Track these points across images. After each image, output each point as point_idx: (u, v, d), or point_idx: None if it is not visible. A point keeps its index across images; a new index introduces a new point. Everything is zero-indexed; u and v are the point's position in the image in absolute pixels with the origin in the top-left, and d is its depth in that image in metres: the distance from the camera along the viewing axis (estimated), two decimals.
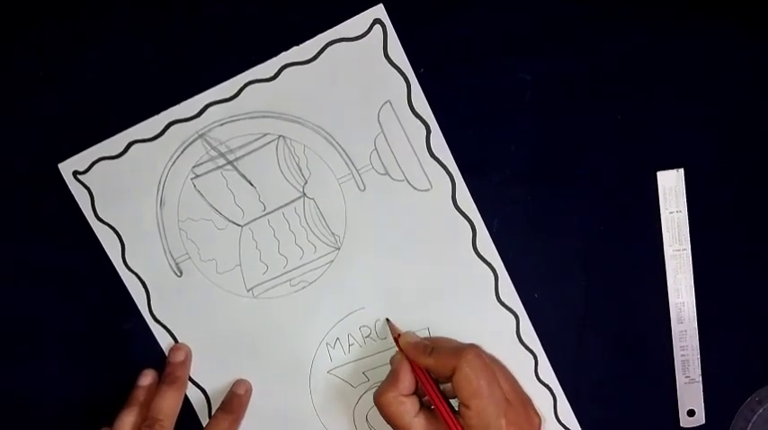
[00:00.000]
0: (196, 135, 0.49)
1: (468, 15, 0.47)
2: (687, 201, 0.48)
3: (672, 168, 0.48)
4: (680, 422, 0.50)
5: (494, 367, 0.44)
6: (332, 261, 0.50)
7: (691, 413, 0.50)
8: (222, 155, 0.49)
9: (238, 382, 0.51)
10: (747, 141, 0.48)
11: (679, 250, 0.49)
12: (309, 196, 0.50)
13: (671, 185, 0.48)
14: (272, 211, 0.50)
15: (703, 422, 0.50)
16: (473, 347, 0.43)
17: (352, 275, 0.50)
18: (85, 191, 0.50)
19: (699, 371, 0.49)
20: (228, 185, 0.50)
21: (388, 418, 0.44)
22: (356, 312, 0.51)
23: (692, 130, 0.48)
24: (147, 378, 0.49)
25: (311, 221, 0.50)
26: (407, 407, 0.43)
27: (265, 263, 0.50)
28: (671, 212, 0.48)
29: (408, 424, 0.43)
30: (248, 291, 0.51)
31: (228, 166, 0.50)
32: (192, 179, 0.50)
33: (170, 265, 0.51)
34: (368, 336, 0.51)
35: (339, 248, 0.50)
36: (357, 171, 0.49)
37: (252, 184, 0.50)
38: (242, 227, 0.50)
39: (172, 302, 0.51)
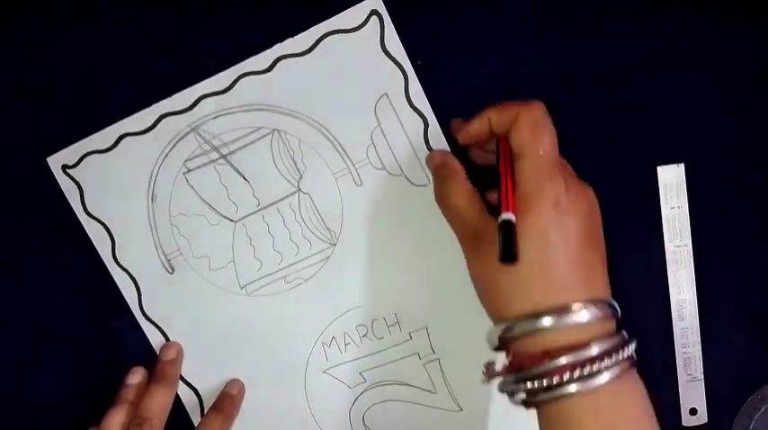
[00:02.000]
0: (188, 128, 0.48)
1: (466, 6, 0.47)
2: (688, 196, 0.48)
3: (672, 163, 0.47)
4: (682, 421, 0.49)
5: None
6: (327, 257, 0.49)
7: (693, 411, 0.49)
8: (215, 148, 0.48)
9: (231, 382, 0.50)
10: (749, 136, 0.48)
11: (680, 246, 0.48)
12: (304, 191, 0.49)
13: (671, 181, 0.48)
14: (267, 207, 0.49)
15: (706, 420, 0.49)
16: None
17: (349, 272, 0.49)
18: (75, 185, 0.49)
19: (701, 368, 0.48)
20: (222, 180, 0.49)
21: (459, 215, 0.41)
22: (352, 310, 0.50)
23: (694, 125, 0.47)
24: (136, 376, 0.48)
25: (306, 217, 0.49)
26: (477, 197, 0.41)
27: (259, 259, 0.49)
28: (671, 208, 0.48)
29: (477, 216, 0.40)
30: (242, 288, 0.50)
31: (222, 161, 0.49)
32: (184, 173, 0.49)
33: (161, 262, 0.50)
34: (364, 336, 0.50)
35: (335, 245, 0.49)
36: (353, 165, 0.48)
37: (246, 179, 0.49)
38: (235, 222, 0.49)
39: (163, 300, 0.50)
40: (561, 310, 0.36)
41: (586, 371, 0.35)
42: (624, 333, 0.38)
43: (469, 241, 0.40)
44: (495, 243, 0.37)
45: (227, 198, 0.49)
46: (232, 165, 0.48)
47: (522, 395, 0.37)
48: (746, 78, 0.47)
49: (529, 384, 0.36)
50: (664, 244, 0.48)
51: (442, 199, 0.43)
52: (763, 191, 0.48)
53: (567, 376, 0.35)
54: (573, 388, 0.35)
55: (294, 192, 0.49)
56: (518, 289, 0.37)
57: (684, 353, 0.48)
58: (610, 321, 0.38)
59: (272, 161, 0.48)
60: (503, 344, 0.38)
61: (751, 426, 0.49)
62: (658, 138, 0.47)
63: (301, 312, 0.50)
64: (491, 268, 0.37)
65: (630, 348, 0.37)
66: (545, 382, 0.35)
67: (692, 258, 0.48)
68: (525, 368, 0.36)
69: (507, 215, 0.36)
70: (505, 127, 0.40)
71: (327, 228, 0.49)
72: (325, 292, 0.50)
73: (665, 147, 0.48)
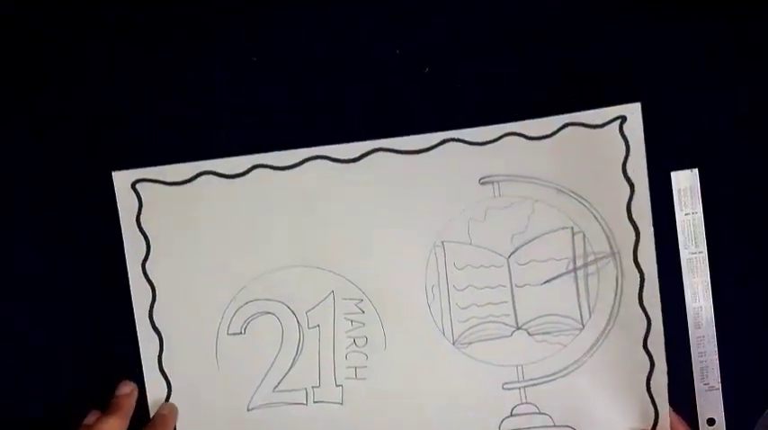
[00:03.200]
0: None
1: None
2: (703, 202, 0.47)
3: (686, 168, 0.47)
4: None
5: None
6: None
7: (710, 422, 0.48)
8: None
9: (162, 405, 0.48)
10: (764, 140, 0.47)
11: (695, 253, 0.47)
12: None
13: (685, 186, 0.47)
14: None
15: None
16: None
17: None
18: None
19: (718, 377, 0.48)
20: None
21: None
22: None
23: (707, 129, 0.47)
24: (93, 417, 0.46)
25: None
26: None
27: None
28: (686, 214, 0.47)
29: None
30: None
31: None
32: None
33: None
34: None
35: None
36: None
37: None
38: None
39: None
40: None
41: None
42: None
43: None
44: None
45: None
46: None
47: None
48: (761, 82, 0.47)
49: None
50: (679, 251, 0.47)
51: None
52: None
53: None
54: None
55: None
56: None
57: (701, 361, 0.48)
58: None
59: None
60: None
61: None
62: (671, 143, 0.47)
63: None
64: None
65: None
66: None
67: (708, 265, 0.47)
68: None
69: None
70: None
71: None
72: None
73: (679, 152, 0.47)
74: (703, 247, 0.47)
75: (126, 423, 0.46)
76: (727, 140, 0.47)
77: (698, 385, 0.48)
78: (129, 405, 0.47)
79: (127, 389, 0.48)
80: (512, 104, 0.47)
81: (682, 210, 0.47)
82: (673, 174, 0.47)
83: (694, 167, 0.47)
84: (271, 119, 0.47)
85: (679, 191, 0.47)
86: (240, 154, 0.47)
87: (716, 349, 0.47)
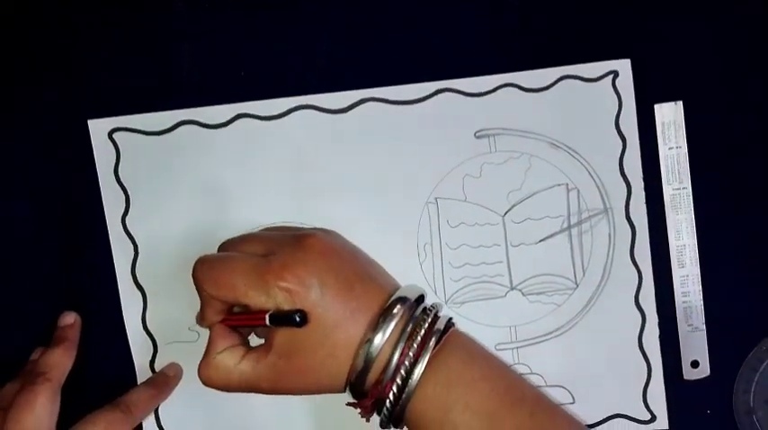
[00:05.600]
0: None
1: None
2: (687, 136, 0.46)
3: (670, 101, 0.45)
4: (683, 374, 0.47)
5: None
6: None
7: (694, 364, 0.47)
8: None
9: (169, 364, 0.47)
10: (752, 71, 0.46)
11: (679, 189, 0.46)
12: None
13: (669, 119, 0.46)
14: None
15: (708, 373, 0.47)
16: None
17: None
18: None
19: (702, 318, 0.47)
20: None
21: (219, 386, 0.39)
22: None
23: (693, 60, 0.46)
24: (38, 353, 0.46)
25: None
26: (226, 362, 0.39)
27: None
28: (670, 148, 0.46)
29: (235, 378, 0.39)
30: None
31: None
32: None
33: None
34: None
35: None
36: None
37: None
38: None
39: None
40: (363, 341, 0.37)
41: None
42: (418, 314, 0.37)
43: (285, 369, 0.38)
44: (286, 341, 0.37)
45: None
46: None
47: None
48: (750, 10, 0.45)
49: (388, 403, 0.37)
50: (662, 186, 0.46)
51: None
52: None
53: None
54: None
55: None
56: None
57: (685, 302, 0.47)
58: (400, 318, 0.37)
59: None
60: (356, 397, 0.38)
61: (756, 379, 0.47)
62: (655, 74, 0.46)
63: None
64: (305, 358, 0.37)
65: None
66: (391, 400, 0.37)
67: (692, 202, 0.46)
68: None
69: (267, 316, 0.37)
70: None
71: None
72: None
73: (663, 84, 0.46)
74: (687, 183, 0.46)
75: (72, 354, 0.45)
76: (713, 72, 0.46)
77: (681, 327, 0.47)
78: (74, 335, 0.46)
79: (69, 319, 0.46)
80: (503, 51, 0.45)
81: (665, 144, 0.46)
82: (656, 106, 0.46)
83: (679, 100, 0.45)
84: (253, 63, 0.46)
85: (663, 124, 0.46)
86: (219, 96, 0.45)
87: (700, 289, 0.47)
